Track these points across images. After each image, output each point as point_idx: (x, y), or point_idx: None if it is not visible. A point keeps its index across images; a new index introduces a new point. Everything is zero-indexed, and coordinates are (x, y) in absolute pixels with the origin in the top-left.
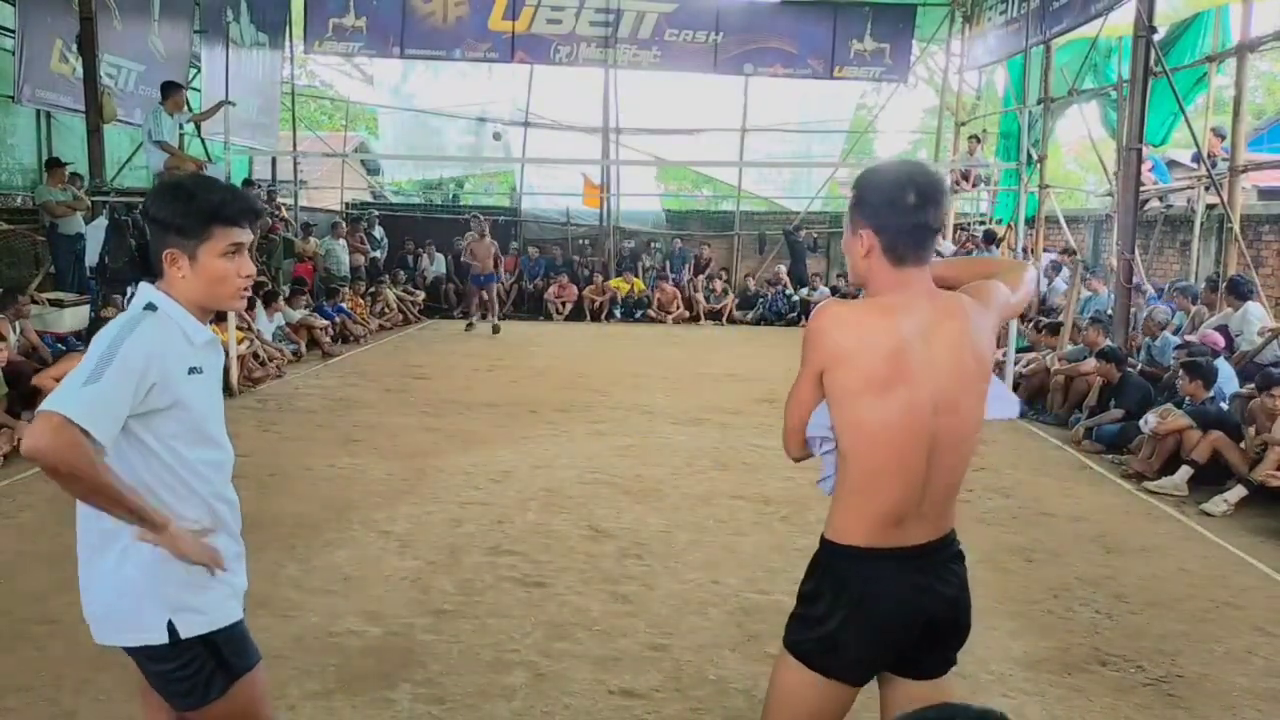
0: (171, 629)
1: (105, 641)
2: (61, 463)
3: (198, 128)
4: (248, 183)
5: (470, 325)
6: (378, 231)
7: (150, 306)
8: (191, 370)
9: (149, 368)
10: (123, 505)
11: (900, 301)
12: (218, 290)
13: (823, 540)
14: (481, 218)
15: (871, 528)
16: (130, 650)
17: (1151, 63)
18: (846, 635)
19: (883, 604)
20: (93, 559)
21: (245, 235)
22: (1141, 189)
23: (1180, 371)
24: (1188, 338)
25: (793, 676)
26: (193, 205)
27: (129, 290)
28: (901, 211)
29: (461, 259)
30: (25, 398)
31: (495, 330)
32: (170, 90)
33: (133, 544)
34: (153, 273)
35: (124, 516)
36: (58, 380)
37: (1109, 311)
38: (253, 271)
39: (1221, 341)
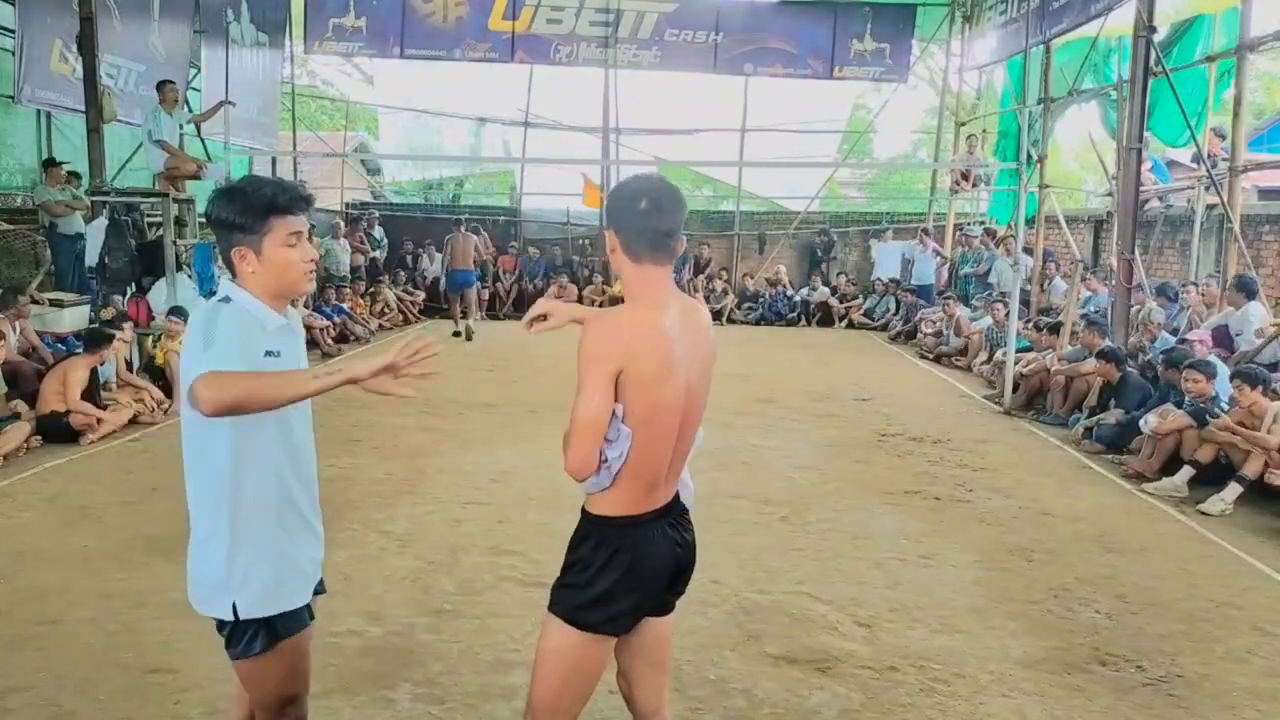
0: (235, 610)
1: (195, 608)
2: (232, 405)
3: (198, 128)
4: None
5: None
6: (378, 232)
7: (225, 300)
8: (268, 354)
9: (240, 345)
10: (301, 392)
11: (656, 299)
12: (286, 276)
13: (591, 515)
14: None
15: (638, 497)
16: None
17: (1152, 63)
18: (620, 592)
19: (653, 560)
20: (198, 548)
21: (302, 223)
22: (1141, 189)
23: (1184, 371)
24: (1188, 337)
25: (569, 641)
26: (248, 202)
27: (129, 290)
28: (635, 216)
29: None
30: (25, 398)
31: (467, 336)
32: (161, 87)
33: (234, 545)
34: (154, 271)
35: (314, 395)
36: (60, 393)
37: (1104, 312)
38: (315, 255)
39: (1210, 342)
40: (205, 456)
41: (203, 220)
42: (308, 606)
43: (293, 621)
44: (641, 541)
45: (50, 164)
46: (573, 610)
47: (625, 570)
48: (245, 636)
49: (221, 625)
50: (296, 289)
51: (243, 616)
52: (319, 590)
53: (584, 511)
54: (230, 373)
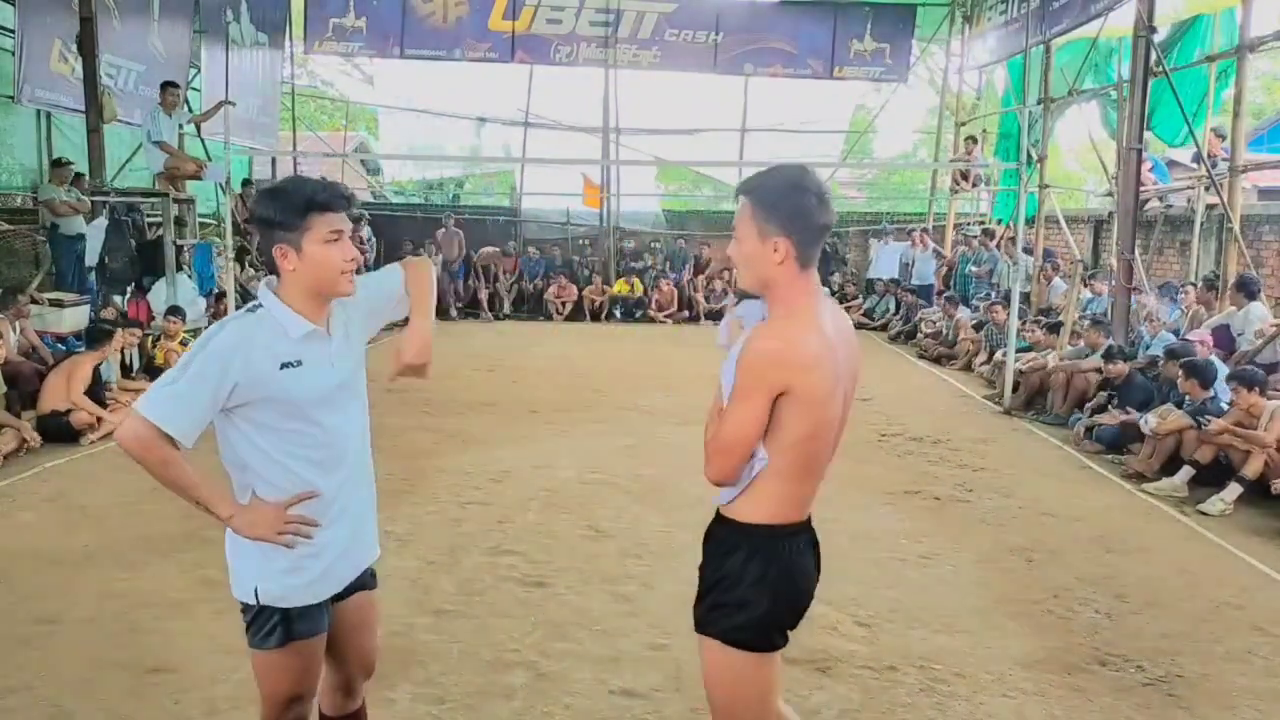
0: (256, 594)
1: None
2: (137, 458)
3: (198, 128)
4: (246, 183)
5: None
6: (365, 231)
7: (254, 307)
8: (285, 365)
9: (227, 369)
10: (189, 497)
11: (815, 308)
12: (325, 275)
13: (739, 524)
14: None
15: (794, 508)
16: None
17: (1152, 63)
18: (779, 605)
19: (805, 571)
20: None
21: (342, 221)
22: (1141, 189)
23: (1179, 371)
24: (1189, 337)
25: (739, 663)
26: (289, 200)
27: (129, 290)
28: (809, 215)
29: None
30: (25, 398)
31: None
32: (163, 89)
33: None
34: (155, 271)
35: (194, 505)
36: (64, 390)
37: (1106, 313)
38: (356, 255)
39: (1210, 342)
40: (227, 445)
41: (203, 220)
42: (325, 605)
43: (311, 623)
44: (795, 552)
45: (56, 163)
46: (731, 631)
47: (780, 582)
48: (263, 628)
49: (245, 609)
50: (335, 288)
51: (262, 602)
52: (368, 585)
53: (726, 519)
54: (160, 437)
